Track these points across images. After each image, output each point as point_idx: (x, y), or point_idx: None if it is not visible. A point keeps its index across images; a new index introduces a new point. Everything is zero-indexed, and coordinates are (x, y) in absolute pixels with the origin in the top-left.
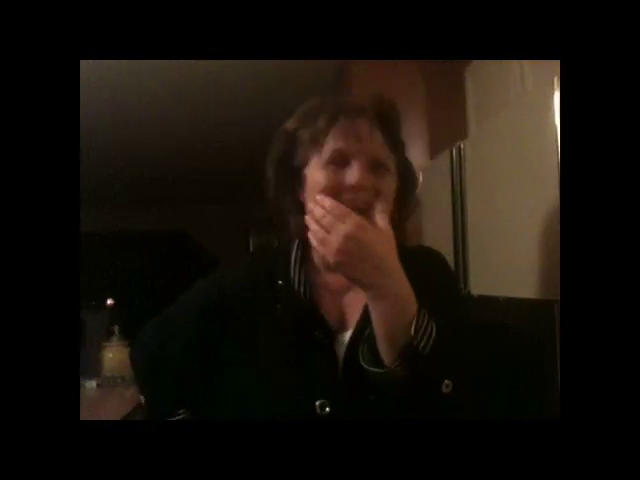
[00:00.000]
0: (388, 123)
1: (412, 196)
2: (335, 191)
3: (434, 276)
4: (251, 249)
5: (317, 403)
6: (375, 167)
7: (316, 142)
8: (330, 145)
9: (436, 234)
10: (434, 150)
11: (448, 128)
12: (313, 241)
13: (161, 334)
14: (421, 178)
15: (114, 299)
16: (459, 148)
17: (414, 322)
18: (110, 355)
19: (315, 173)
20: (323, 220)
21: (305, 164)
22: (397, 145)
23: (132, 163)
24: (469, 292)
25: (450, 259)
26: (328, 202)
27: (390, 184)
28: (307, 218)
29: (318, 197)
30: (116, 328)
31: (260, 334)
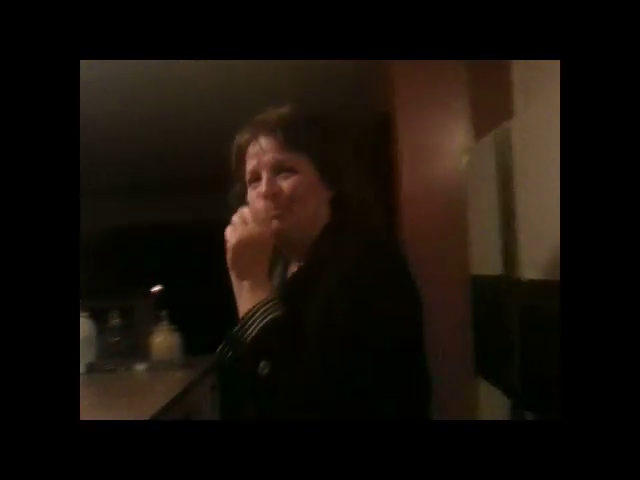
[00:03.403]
0: (291, 127)
1: (340, 174)
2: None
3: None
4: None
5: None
6: (279, 172)
7: (240, 170)
8: (247, 167)
9: (482, 217)
10: (479, 131)
11: (493, 108)
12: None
13: None
14: (465, 160)
15: (162, 285)
16: (505, 128)
17: (243, 318)
18: (158, 339)
19: (249, 193)
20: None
21: (245, 189)
22: (306, 145)
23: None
24: (518, 278)
25: (497, 243)
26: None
27: (301, 182)
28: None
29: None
30: (164, 313)
31: None
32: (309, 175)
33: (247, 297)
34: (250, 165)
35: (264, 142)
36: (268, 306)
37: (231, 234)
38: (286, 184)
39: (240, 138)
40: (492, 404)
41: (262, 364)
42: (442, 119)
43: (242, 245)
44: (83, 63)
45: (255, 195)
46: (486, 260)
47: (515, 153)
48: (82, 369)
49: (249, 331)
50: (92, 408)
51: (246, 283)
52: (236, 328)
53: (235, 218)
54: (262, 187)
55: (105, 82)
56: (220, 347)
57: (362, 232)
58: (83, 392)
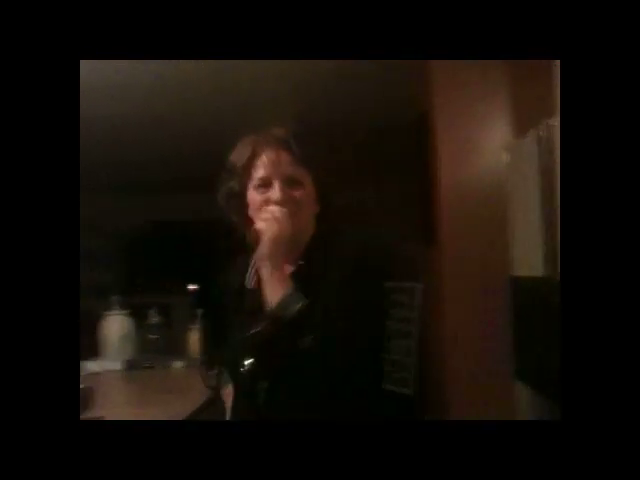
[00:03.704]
0: (303, 144)
1: (331, 193)
2: (265, 205)
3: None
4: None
5: (246, 362)
6: (291, 183)
7: (247, 172)
8: (257, 173)
9: (523, 217)
10: (520, 129)
11: (534, 105)
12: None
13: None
14: (506, 158)
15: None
16: (549, 126)
17: (279, 299)
18: (195, 337)
19: (251, 195)
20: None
21: (245, 188)
22: (312, 163)
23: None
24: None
25: (539, 244)
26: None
27: (303, 193)
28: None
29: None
30: (199, 312)
31: (228, 311)
32: (310, 189)
33: (279, 285)
34: (261, 172)
35: (280, 155)
36: (298, 293)
37: (268, 229)
38: (295, 194)
39: (251, 146)
40: (531, 405)
41: (304, 338)
42: (482, 116)
43: (279, 240)
44: (86, 64)
45: (262, 199)
46: (527, 261)
47: (558, 151)
48: (121, 366)
49: (288, 311)
50: (129, 405)
51: (278, 273)
52: (273, 310)
53: (268, 215)
54: (275, 194)
55: (126, 85)
56: (253, 330)
57: (345, 244)
58: (121, 388)
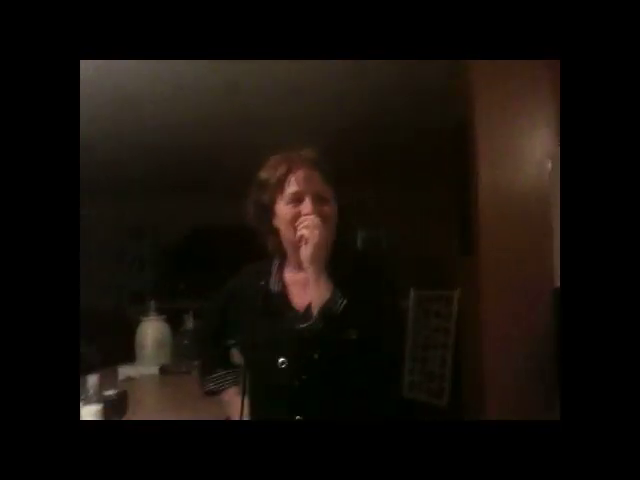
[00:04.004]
0: (328, 168)
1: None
2: (297, 218)
3: (366, 274)
4: (358, 241)
5: (279, 361)
6: (319, 200)
7: (279, 187)
8: (290, 189)
9: None
10: None
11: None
12: (301, 244)
13: (210, 311)
14: (550, 166)
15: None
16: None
17: (329, 295)
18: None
19: (282, 208)
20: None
21: (274, 202)
22: (334, 184)
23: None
24: None
25: None
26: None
27: (330, 209)
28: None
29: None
30: None
31: (250, 315)
32: (333, 207)
33: (324, 285)
34: (294, 188)
35: (311, 174)
36: (339, 291)
37: (311, 236)
38: (322, 208)
39: (285, 164)
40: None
41: (350, 331)
42: (525, 123)
43: (321, 244)
44: (95, 63)
45: (294, 212)
46: None
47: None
48: (156, 370)
49: (335, 307)
50: (164, 412)
51: (322, 274)
52: (324, 305)
53: (310, 223)
54: (306, 208)
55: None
56: (304, 325)
57: (359, 258)
58: (156, 393)
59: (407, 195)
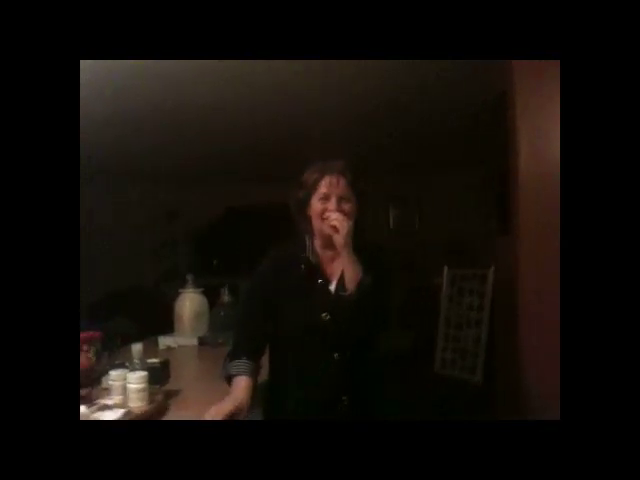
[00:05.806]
0: (351, 176)
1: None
2: (324, 212)
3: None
4: (390, 221)
5: (322, 314)
6: (343, 200)
7: (314, 187)
8: (321, 190)
9: None
10: None
11: None
12: (333, 233)
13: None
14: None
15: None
16: None
17: (362, 274)
18: None
19: (315, 203)
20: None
21: (310, 198)
22: (356, 187)
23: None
24: None
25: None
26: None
27: (352, 208)
28: (325, 223)
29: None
30: None
31: (292, 281)
32: (354, 207)
33: (355, 264)
34: (324, 190)
35: (338, 179)
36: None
37: (341, 224)
38: (345, 207)
39: (319, 171)
40: None
41: (381, 296)
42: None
43: (349, 232)
44: (107, 63)
45: (322, 207)
46: None
47: None
48: (194, 341)
49: (367, 280)
50: (198, 381)
51: (353, 256)
52: (361, 278)
53: (339, 216)
54: (331, 205)
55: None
56: (345, 293)
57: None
58: (194, 362)
59: (442, 175)
